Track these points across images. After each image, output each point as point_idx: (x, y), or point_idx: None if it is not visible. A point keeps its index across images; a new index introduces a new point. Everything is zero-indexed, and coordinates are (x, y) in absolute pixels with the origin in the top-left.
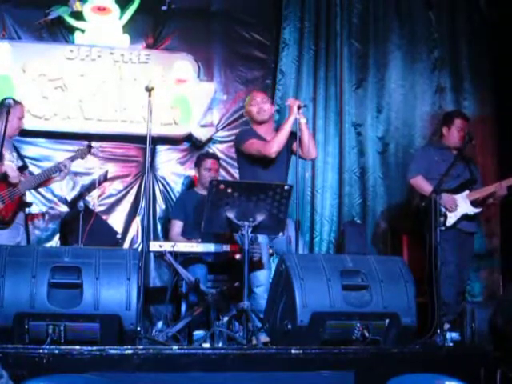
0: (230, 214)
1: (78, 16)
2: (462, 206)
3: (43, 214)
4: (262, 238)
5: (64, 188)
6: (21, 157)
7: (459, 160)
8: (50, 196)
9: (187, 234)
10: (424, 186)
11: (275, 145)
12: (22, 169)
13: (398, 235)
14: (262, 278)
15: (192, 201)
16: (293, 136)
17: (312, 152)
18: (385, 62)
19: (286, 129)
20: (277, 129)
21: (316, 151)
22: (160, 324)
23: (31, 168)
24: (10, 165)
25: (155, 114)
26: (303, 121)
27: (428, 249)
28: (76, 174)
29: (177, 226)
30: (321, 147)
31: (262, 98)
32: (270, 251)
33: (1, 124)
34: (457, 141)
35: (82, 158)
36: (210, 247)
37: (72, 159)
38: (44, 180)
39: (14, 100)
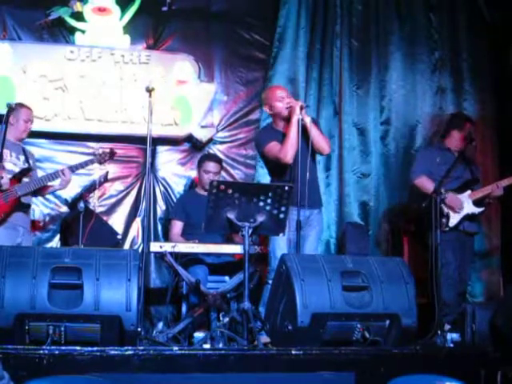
0: (231, 215)
1: (79, 17)
2: (464, 206)
3: (44, 215)
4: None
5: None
6: (28, 160)
7: (460, 161)
8: (50, 197)
9: (188, 235)
10: (429, 185)
11: (289, 151)
12: (25, 171)
13: (399, 236)
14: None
15: (192, 201)
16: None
17: (324, 148)
18: (385, 63)
19: (293, 131)
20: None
21: (328, 146)
22: (160, 325)
23: None
24: (4, 170)
25: (155, 114)
26: (308, 119)
27: (429, 250)
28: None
29: (177, 226)
30: None
31: (287, 94)
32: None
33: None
34: (462, 144)
35: (101, 163)
36: (211, 248)
37: (74, 169)
38: (40, 187)
39: (18, 104)
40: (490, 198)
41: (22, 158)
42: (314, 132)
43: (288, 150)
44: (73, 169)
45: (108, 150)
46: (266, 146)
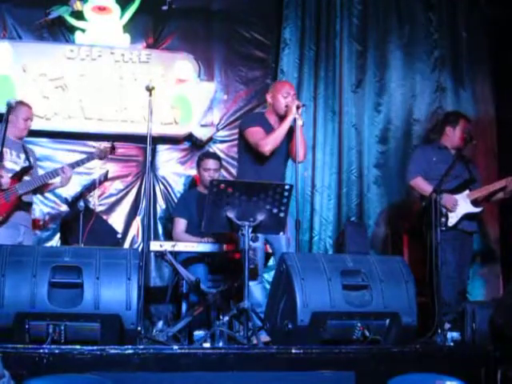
0: (231, 214)
1: (79, 16)
2: (462, 205)
3: (43, 214)
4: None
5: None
6: (28, 159)
7: (458, 160)
8: (50, 196)
9: (190, 233)
10: (424, 186)
11: (270, 143)
12: (26, 169)
13: (399, 235)
14: (257, 294)
15: (194, 200)
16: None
17: (300, 155)
18: (385, 62)
19: (284, 128)
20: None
21: (304, 156)
22: (160, 324)
23: None
24: (3, 169)
25: (156, 113)
26: (299, 123)
27: (428, 249)
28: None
29: (181, 223)
30: (320, 147)
31: (294, 95)
32: (270, 250)
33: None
34: (459, 141)
35: (101, 158)
36: (211, 247)
37: (75, 165)
38: (41, 185)
39: (18, 102)
40: (506, 193)
41: (23, 156)
42: (299, 136)
43: (270, 142)
44: (73, 166)
45: (109, 145)
46: (250, 128)
